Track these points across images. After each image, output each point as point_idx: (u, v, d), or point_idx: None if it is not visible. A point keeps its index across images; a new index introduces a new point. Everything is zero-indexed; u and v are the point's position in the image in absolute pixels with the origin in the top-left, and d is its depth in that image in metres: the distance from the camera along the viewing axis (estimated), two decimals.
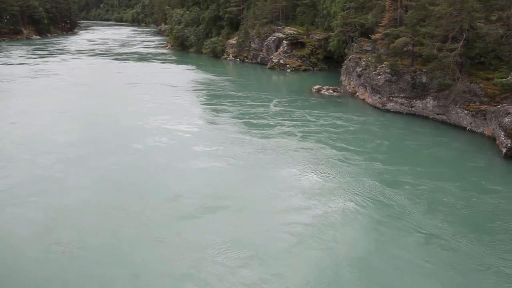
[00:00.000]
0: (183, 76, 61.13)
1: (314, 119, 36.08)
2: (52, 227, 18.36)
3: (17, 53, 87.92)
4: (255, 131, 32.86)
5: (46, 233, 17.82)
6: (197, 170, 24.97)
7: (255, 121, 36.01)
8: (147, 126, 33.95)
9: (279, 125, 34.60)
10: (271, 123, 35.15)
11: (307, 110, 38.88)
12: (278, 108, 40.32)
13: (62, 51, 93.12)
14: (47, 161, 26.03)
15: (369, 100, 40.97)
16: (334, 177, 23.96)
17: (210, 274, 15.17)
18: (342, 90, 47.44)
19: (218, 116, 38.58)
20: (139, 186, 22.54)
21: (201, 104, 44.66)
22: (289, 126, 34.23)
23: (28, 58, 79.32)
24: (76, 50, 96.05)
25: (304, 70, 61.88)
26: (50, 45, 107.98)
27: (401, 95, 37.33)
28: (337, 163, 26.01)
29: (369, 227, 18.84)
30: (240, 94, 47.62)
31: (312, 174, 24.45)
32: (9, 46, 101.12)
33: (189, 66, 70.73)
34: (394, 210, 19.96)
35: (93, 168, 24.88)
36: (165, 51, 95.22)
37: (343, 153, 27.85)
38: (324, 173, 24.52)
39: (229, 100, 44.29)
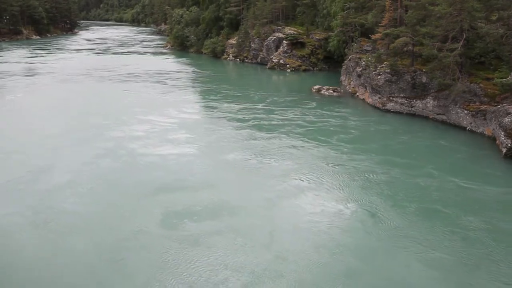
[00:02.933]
0: (181, 75, 61.25)
1: (311, 118, 36.17)
2: (34, 207, 20.30)
3: (17, 52, 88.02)
4: (245, 127, 33.63)
5: (31, 213, 19.84)
6: (165, 155, 27.18)
7: (247, 118, 36.38)
8: (131, 119, 35.76)
9: (272, 122, 34.97)
10: (264, 121, 35.52)
11: (305, 110, 38.88)
12: (274, 107, 40.37)
13: (60, 51, 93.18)
14: (36, 151, 28.03)
15: (369, 100, 40.94)
16: (306, 169, 24.83)
17: (157, 235, 17.74)
18: (342, 90, 47.41)
19: (208, 112, 39.43)
20: (112, 170, 24.89)
21: (194, 102, 45.06)
22: (282, 124, 34.49)
23: (26, 57, 79.47)
24: (75, 50, 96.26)
25: (304, 70, 61.84)
26: (49, 44, 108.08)
27: (401, 95, 37.30)
28: (321, 159, 26.60)
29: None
30: (237, 93, 47.66)
31: (284, 163, 25.89)
32: (9, 46, 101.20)
33: (188, 66, 70.77)
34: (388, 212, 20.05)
35: (75, 155, 27.01)
36: (164, 51, 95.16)
37: (331, 149, 28.49)
38: (296, 166, 25.48)
39: (225, 99, 44.40)
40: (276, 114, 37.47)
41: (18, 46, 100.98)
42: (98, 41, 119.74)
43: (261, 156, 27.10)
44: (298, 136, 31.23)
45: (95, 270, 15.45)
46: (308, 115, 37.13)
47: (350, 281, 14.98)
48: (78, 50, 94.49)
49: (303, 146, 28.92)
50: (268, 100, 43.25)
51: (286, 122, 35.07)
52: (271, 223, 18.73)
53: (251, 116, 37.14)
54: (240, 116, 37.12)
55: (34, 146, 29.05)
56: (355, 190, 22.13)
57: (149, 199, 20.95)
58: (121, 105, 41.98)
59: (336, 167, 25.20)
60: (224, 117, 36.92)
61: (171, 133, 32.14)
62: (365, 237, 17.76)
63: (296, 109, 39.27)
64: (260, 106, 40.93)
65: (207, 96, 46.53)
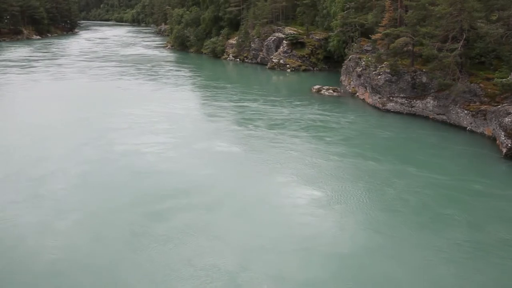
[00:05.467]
0: (179, 74, 61.51)
1: (308, 117, 36.29)
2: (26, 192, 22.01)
3: (17, 51, 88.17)
4: (233, 123, 34.58)
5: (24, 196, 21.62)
6: (144, 143, 29.03)
7: (239, 116, 36.86)
8: (119, 112, 37.68)
9: (264, 119, 35.38)
10: (256, 117, 35.94)
11: (303, 109, 38.90)
12: (270, 106, 40.40)
13: (60, 50, 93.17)
14: (28, 143, 29.75)
15: (369, 100, 40.90)
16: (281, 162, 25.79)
17: (130, 212, 19.71)
18: (342, 90, 47.36)
19: (199, 109, 40.47)
20: (96, 158, 26.70)
21: (186, 99, 45.50)
22: (274, 119, 34.93)
23: (26, 56, 79.55)
24: (75, 49, 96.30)
25: (304, 70, 61.80)
26: (49, 44, 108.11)
27: (401, 95, 37.25)
28: (298, 151, 27.56)
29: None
30: (234, 92, 47.67)
31: (260, 153, 27.48)
32: (10, 46, 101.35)
33: (187, 66, 70.81)
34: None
35: (63, 145, 29.07)
36: (165, 51, 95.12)
37: (313, 144, 29.28)
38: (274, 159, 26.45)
39: (220, 98, 44.60)
40: (271, 113, 37.66)
41: (18, 46, 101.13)
42: (98, 41, 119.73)
43: (238, 147, 28.73)
44: (286, 131, 31.85)
45: (77, 242, 17.44)
46: (306, 114, 37.18)
47: (291, 247, 16.99)
48: (77, 49, 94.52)
49: (286, 141, 29.82)
50: (265, 99, 43.29)
51: (280, 119, 35.44)
52: (231, 201, 20.87)
53: (243, 113, 37.63)
54: (231, 113, 37.72)
55: (26, 138, 30.70)
56: (326, 181, 23.12)
57: (126, 183, 22.91)
58: (113, 100, 43.33)
59: (312, 160, 26.16)
60: (215, 115, 37.70)
61: (156, 125, 33.73)
62: (316, 216, 19.55)
63: (293, 108, 39.34)
64: (256, 105, 41.05)
65: (201, 95, 47.07)
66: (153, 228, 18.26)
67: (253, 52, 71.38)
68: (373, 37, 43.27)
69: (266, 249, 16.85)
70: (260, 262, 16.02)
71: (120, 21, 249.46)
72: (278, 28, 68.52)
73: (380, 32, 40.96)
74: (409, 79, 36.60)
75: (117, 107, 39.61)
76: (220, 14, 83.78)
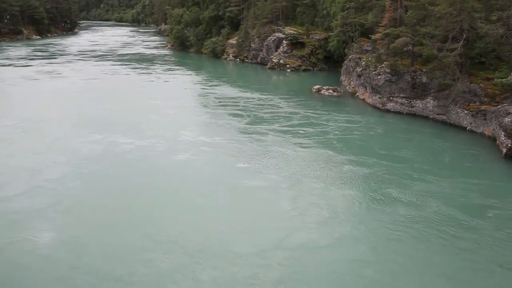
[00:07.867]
0: (178, 73, 61.73)
1: (305, 115, 36.43)
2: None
3: (18, 50, 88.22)
4: (224, 118, 35.54)
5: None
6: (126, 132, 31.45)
7: (233, 112, 37.32)
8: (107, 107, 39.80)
9: (260, 118, 35.68)
10: (252, 117, 36.29)
11: (303, 109, 38.92)
12: (268, 105, 40.48)
13: (59, 50, 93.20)
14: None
15: (369, 100, 40.91)
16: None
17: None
18: (342, 90, 47.36)
19: (195, 107, 41.14)
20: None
21: (181, 97, 45.76)
22: (269, 120, 35.12)
23: (27, 54, 79.68)
24: (74, 48, 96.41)
25: (304, 70, 61.79)
26: (49, 44, 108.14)
27: (401, 95, 37.26)
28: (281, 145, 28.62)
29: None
30: (233, 92, 47.71)
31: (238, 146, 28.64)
32: (10, 45, 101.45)
33: (187, 65, 70.86)
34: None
35: (52, 135, 31.22)
36: (164, 51, 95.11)
37: (301, 139, 29.94)
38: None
39: (219, 97, 44.65)
40: (268, 111, 37.86)
41: (18, 46, 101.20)
42: (99, 41, 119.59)
43: (219, 139, 30.11)
44: (275, 128, 32.50)
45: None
46: (302, 113, 37.26)
47: (243, 223, 18.83)
48: (76, 49, 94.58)
49: (273, 136, 30.69)
50: (264, 99, 43.32)
51: (274, 117, 35.84)
52: (194, 183, 23.00)
53: (238, 111, 38.02)
54: (226, 111, 38.11)
55: (17, 132, 32.36)
56: (292, 169, 24.43)
57: (110, 171, 24.77)
58: (110, 98, 44.63)
59: (282, 150, 27.58)
60: (208, 112, 38.47)
61: (148, 120, 35.29)
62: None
63: (291, 107, 39.44)
64: (253, 103, 41.14)
65: (198, 94, 47.34)
66: (127, 210, 20.09)
67: (253, 52, 71.38)
68: (373, 37, 43.27)
69: (219, 223, 18.68)
70: (210, 234, 17.71)
71: (120, 21, 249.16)
72: (278, 28, 68.52)
73: (380, 32, 40.95)
74: (409, 79, 36.60)
75: (112, 105, 40.36)
76: (220, 13, 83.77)
